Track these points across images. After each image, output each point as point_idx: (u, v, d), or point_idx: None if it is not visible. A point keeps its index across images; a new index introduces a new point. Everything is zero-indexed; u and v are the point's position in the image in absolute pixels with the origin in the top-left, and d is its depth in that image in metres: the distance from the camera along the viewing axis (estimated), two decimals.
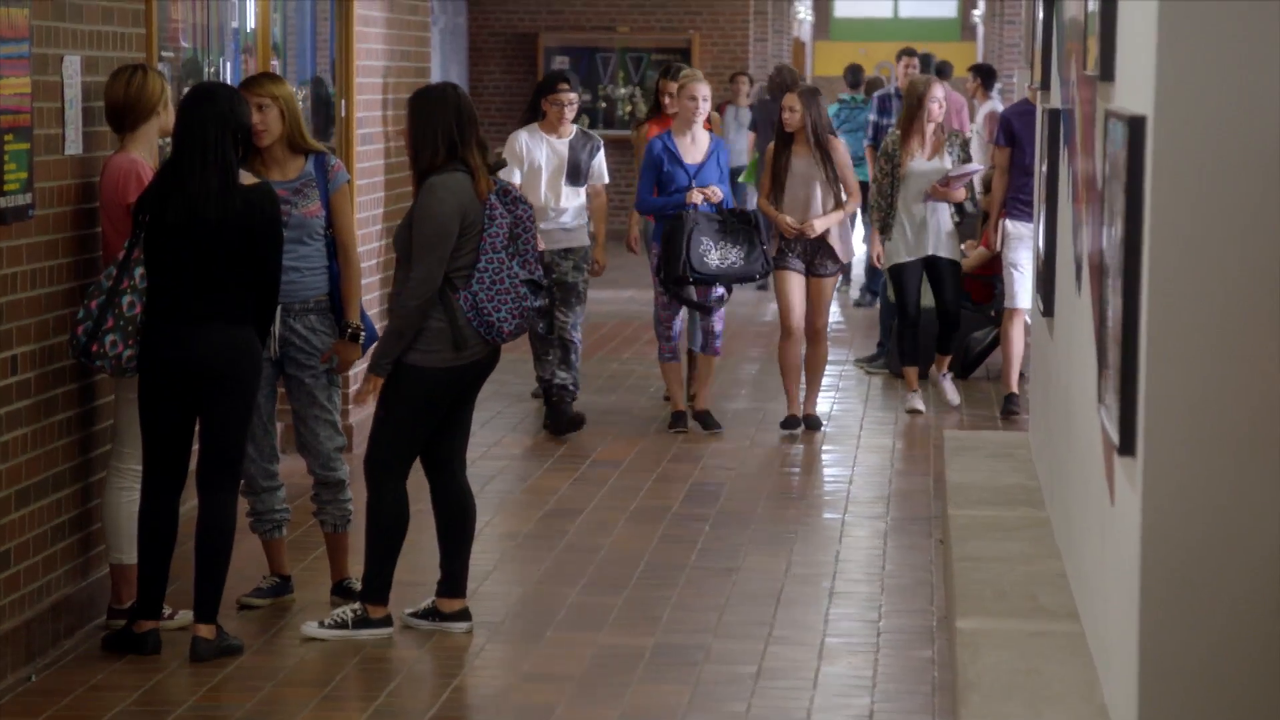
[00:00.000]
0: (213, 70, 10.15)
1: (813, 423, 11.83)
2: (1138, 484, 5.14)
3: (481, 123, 10.12)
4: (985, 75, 20.12)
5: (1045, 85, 9.13)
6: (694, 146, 11.64)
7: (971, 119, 20.67)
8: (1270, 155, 4.92)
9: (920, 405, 12.42)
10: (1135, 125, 5.13)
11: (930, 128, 12.38)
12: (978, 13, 34.75)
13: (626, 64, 23.15)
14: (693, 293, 11.68)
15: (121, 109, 7.55)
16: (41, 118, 7.26)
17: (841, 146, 11.72)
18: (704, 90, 11.67)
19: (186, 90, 7.41)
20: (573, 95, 11.74)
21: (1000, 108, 19.89)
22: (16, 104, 7.01)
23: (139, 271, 7.20)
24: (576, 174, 11.61)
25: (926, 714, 6.73)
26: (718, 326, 11.71)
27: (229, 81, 10.07)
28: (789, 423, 11.78)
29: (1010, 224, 12.39)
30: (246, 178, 7.30)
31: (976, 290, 14.16)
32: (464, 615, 7.67)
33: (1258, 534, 4.99)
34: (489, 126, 21.77)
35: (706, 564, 8.72)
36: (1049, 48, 8.98)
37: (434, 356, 7.40)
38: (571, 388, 11.68)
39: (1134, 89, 5.45)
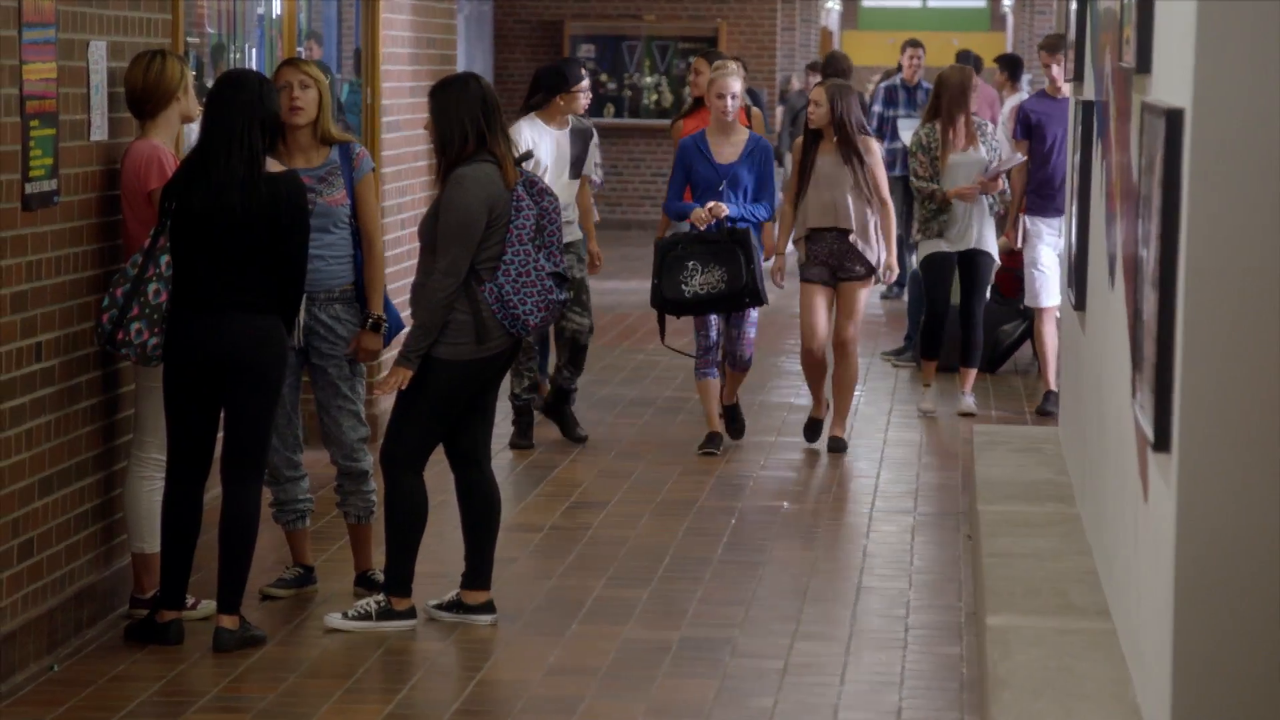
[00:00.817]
0: (238, 56, 10.16)
1: (836, 445, 11.00)
2: (1172, 481, 5.13)
3: (506, 111, 10.16)
4: (1011, 66, 20.03)
5: (1079, 77, 9.11)
6: (728, 144, 10.90)
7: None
8: None
9: (932, 405, 12.22)
10: (1173, 118, 5.11)
11: (963, 118, 12.13)
12: (1008, 2, 34.69)
13: (653, 52, 23.14)
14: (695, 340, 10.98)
15: (141, 95, 7.57)
16: (67, 103, 7.27)
17: (875, 148, 10.98)
18: (734, 86, 10.89)
19: (216, 78, 7.41)
20: (587, 83, 11.08)
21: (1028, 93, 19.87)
22: (43, 89, 7.03)
23: (165, 259, 7.21)
24: (578, 166, 10.93)
25: (955, 711, 6.72)
26: (749, 334, 10.96)
27: (255, 69, 10.09)
28: (811, 429, 11.12)
29: (1029, 220, 12.32)
30: (274, 166, 7.31)
31: (1005, 283, 14.14)
32: (488, 607, 7.67)
33: None
34: (513, 115, 21.80)
35: (732, 558, 8.72)
36: (1082, 38, 8.96)
37: (458, 349, 7.40)
38: (573, 388, 11.18)
39: (1172, 81, 5.43)
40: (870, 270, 10.92)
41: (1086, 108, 8.36)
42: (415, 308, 7.49)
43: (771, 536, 9.15)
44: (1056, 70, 12.52)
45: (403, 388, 7.45)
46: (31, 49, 6.93)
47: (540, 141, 10.64)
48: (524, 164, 7.61)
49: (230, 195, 7.16)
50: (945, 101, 12.15)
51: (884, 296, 18.11)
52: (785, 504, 9.76)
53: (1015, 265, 14.12)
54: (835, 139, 10.85)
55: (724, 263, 10.55)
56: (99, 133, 7.55)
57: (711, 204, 10.67)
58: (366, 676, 7.03)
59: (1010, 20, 34.53)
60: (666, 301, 10.59)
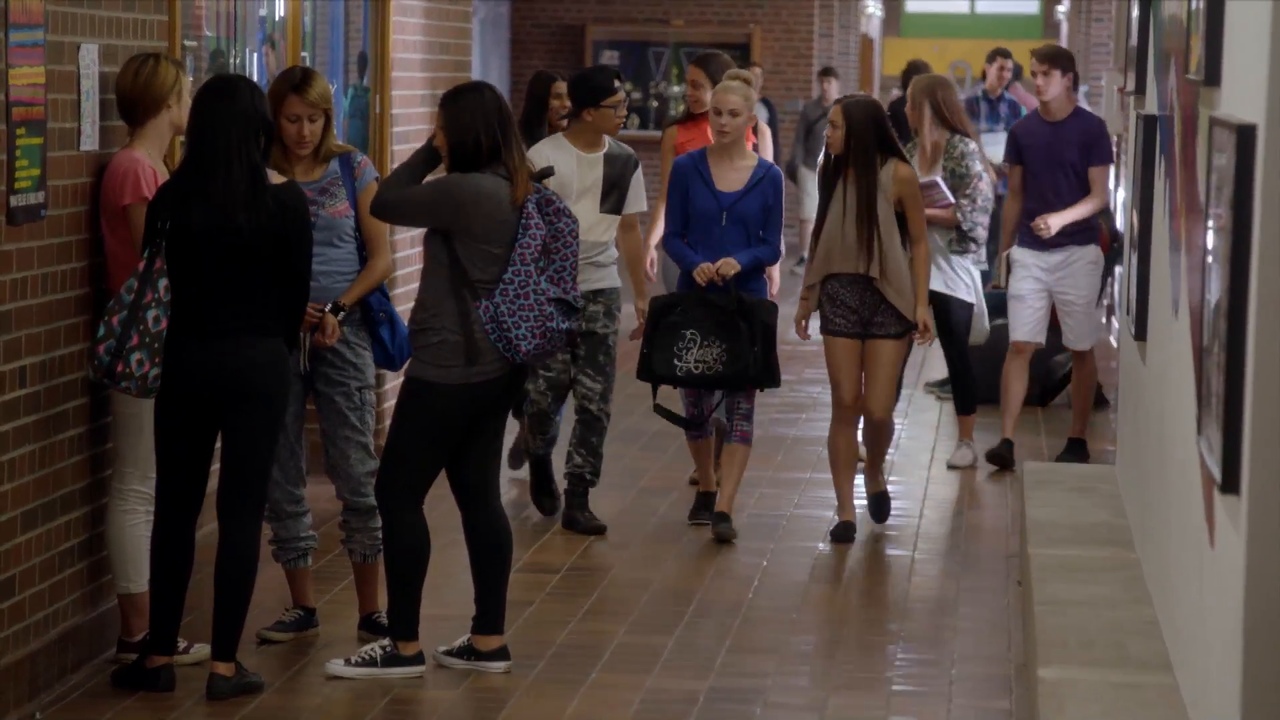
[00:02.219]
0: (239, 61, 10.18)
1: (880, 503, 10.09)
2: (1241, 524, 5.11)
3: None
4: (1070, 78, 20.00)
5: (1140, 90, 9.10)
6: (732, 169, 9.80)
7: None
8: None
9: (965, 460, 11.74)
10: (1244, 134, 5.10)
11: (930, 137, 11.40)
12: (1062, 9, 34.71)
13: (681, 60, 23.16)
14: (682, 401, 10.08)
15: (130, 101, 7.57)
16: (56, 110, 7.28)
17: (913, 176, 9.80)
18: (734, 102, 9.76)
19: (202, 84, 7.42)
20: (623, 95, 9.93)
21: (1087, 108, 19.83)
22: (30, 95, 7.04)
23: (163, 284, 7.18)
24: (614, 197, 9.81)
25: None
26: (745, 404, 9.78)
27: (254, 75, 10.12)
28: (841, 533, 9.80)
29: (1018, 251, 11.79)
30: (274, 176, 7.31)
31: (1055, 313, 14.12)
32: (502, 654, 7.67)
33: None
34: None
35: (764, 603, 8.70)
36: (1144, 48, 8.95)
37: (448, 372, 7.40)
38: (589, 476, 9.92)
39: (1243, 94, 5.42)
40: (906, 328, 9.76)
41: (1149, 123, 8.35)
42: (419, 331, 7.49)
43: (806, 580, 9.13)
44: (1043, 83, 11.75)
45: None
46: (18, 52, 6.95)
47: (563, 166, 9.62)
48: (543, 181, 7.60)
49: (233, 212, 7.15)
50: (909, 119, 11.66)
51: None
52: (821, 545, 9.75)
53: None
54: (851, 165, 9.68)
55: (726, 337, 9.56)
56: (89, 142, 7.56)
57: (721, 263, 9.60)
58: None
59: (1065, 27, 34.55)
60: (656, 378, 9.72)
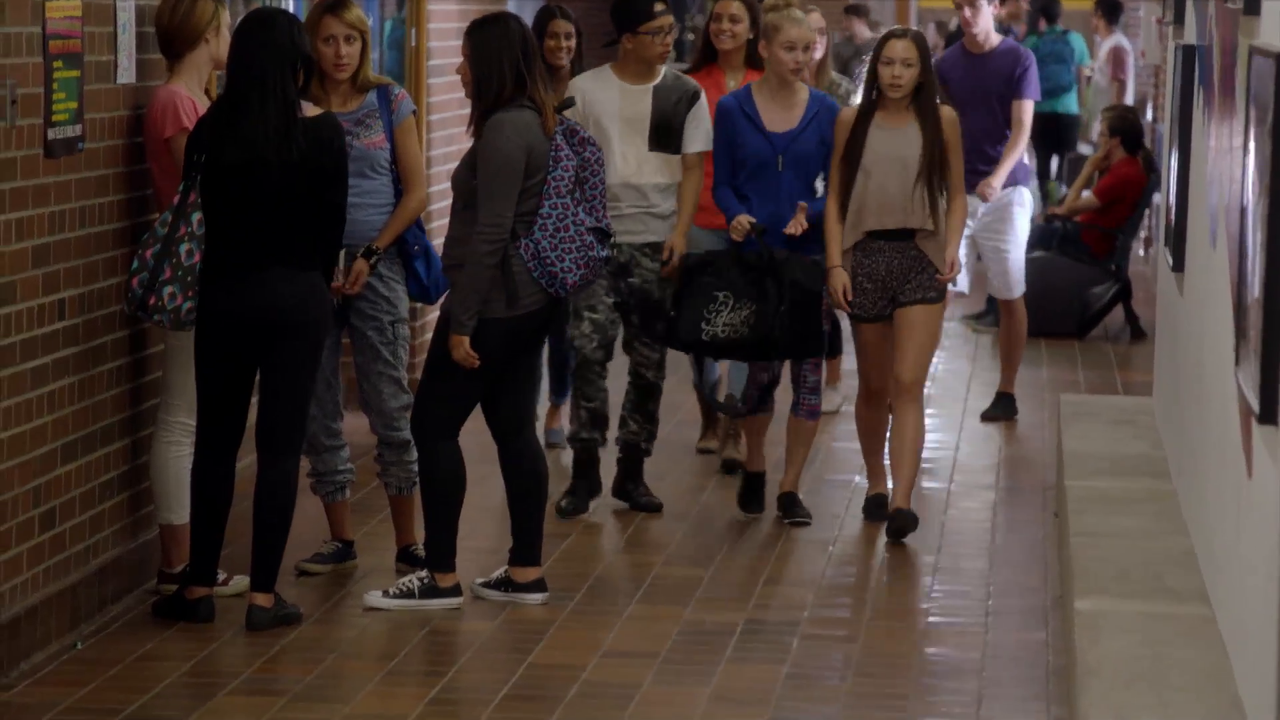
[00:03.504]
0: None
1: (903, 521, 8.54)
2: (1279, 455, 5.11)
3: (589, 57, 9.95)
4: (1109, 10, 20.05)
5: (1179, 20, 9.07)
6: (783, 108, 8.68)
7: (1093, 55, 20.57)
8: None
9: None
10: None
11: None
12: None
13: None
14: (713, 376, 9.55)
15: (167, 35, 7.58)
16: (93, 43, 7.29)
17: (953, 116, 8.69)
18: (810, 36, 8.70)
19: (241, 17, 7.42)
20: (672, 20, 8.80)
21: (1125, 43, 19.85)
22: (66, 28, 7.04)
23: (196, 217, 7.20)
24: (667, 134, 8.74)
25: (1040, 701, 6.72)
26: (813, 376, 8.81)
27: (291, 7, 10.10)
28: (873, 506, 8.92)
29: None
30: (309, 109, 7.30)
31: (1096, 243, 14.12)
32: (539, 586, 7.69)
33: None
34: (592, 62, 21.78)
35: (800, 535, 8.71)
36: None
37: (489, 307, 7.39)
38: (644, 445, 9.01)
39: None
40: (941, 292, 8.68)
41: (1188, 53, 8.32)
42: (452, 267, 7.47)
43: (841, 513, 9.14)
44: (971, 15, 10.89)
45: (469, 358, 7.38)
46: None
47: (603, 100, 8.75)
48: (564, 112, 7.59)
49: (265, 146, 7.15)
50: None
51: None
52: (857, 478, 9.75)
53: (1106, 224, 14.09)
54: (914, 106, 8.56)
55: (757, 298, 8.53)
56: (126, 75, 7.57)
57: (795, 221, 8.54)
58: (408, 658, 7.06)
59: None
60: (681, 345, 8.68)
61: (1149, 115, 19.14)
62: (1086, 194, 14.26)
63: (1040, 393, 11.96)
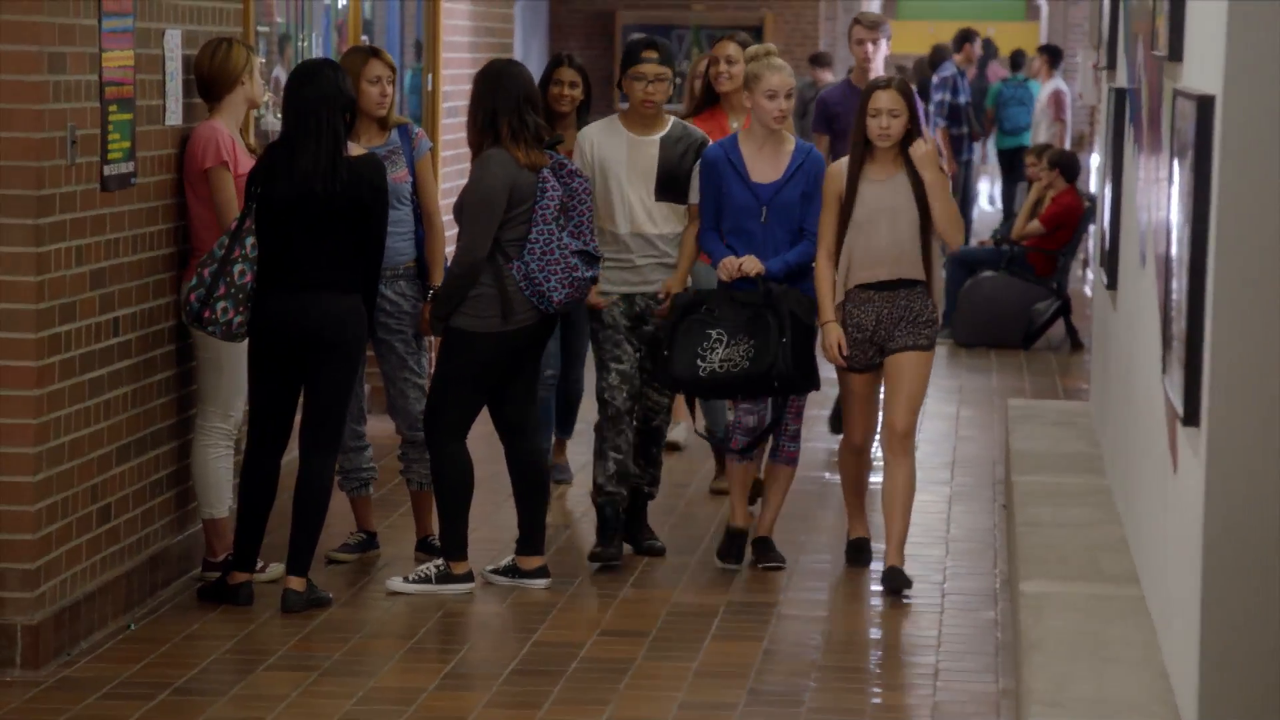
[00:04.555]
0: (305, 45, 10.18)
1: (897, 582, 7.60)
2: (1201, 453, 5.11)
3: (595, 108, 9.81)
4: (1053, 55, 20.18)
5: (1112, 65, 9.07)
6: (769, 157, 7.85)
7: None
8: None
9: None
10: (1204, 105, 5.09)
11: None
12: None
13: (701, 42, 23.10)
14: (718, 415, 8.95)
15: (207, 79, 7.59)
16: (144, 89, 7.29)
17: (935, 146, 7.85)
18: (790, 82, 7.82)
19: (292, 69, 7.44)
20: (663, 69, 7.96)
21: (1064, 87, 19.88)
22: (120, 76, 7.05)
23: (250, 241, 7.23)
24: (674, 185, 7.94)
25: (990, 673, 6.71)
26: (793, 425, 7.94)
27: (320, 55, 10.11)
28: (855, 550, 8.03)
29: None
30: (354, 149, 7.34)
31: (1040, 264, 14.12)
32: (542, 572, 7.69)
33: None
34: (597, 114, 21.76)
35: (777, 527, 8.70)
36: (1115, 28, 8.92)
37: (484, 322, 7.43)
38: (648, 489, 8.18)
39: (1203, 68, 5.40)
40: (932, 341, 7.74)
41: (1120, 95, 8.32)
42: (443, 281, 7.58)
43: (814, 506, 9.13)
44: (872, 50, 9.86)
45: (429, 335, 7.67)
46: (110, 37, 6.96)
47: (611, 149, 7.96)
48: (554, 147, 7.61)
49: (314, 182, 7.19)
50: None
51: None
52: (826, 475, 9.75)
53: (1049, 246, 14.10)
54: (903, 156, 7.68)
55: (754, 333, 7.70)
56: (174, 117, 7.57)
57: (745, 259, 7.75)
58: (426, 637, 7.05)
59: (1045, 9, 34.38)
60: (675, 380, 7.82)
61: (1091, 151, 19.18)
62: (1034, 222, 14.28)
63: (990, 398, 11.96)
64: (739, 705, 6.34)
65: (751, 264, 7.71)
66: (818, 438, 10.64)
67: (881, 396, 7.85)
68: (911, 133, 7.63)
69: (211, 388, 7.60)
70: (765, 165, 7.82)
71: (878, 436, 8.14)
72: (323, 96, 7.22)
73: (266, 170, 7.24)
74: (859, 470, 8.01)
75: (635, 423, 8.00)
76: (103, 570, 7.04)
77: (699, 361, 7.69)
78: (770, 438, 7.89)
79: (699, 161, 7.89)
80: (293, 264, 7.23)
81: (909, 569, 7.70)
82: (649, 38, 8.10)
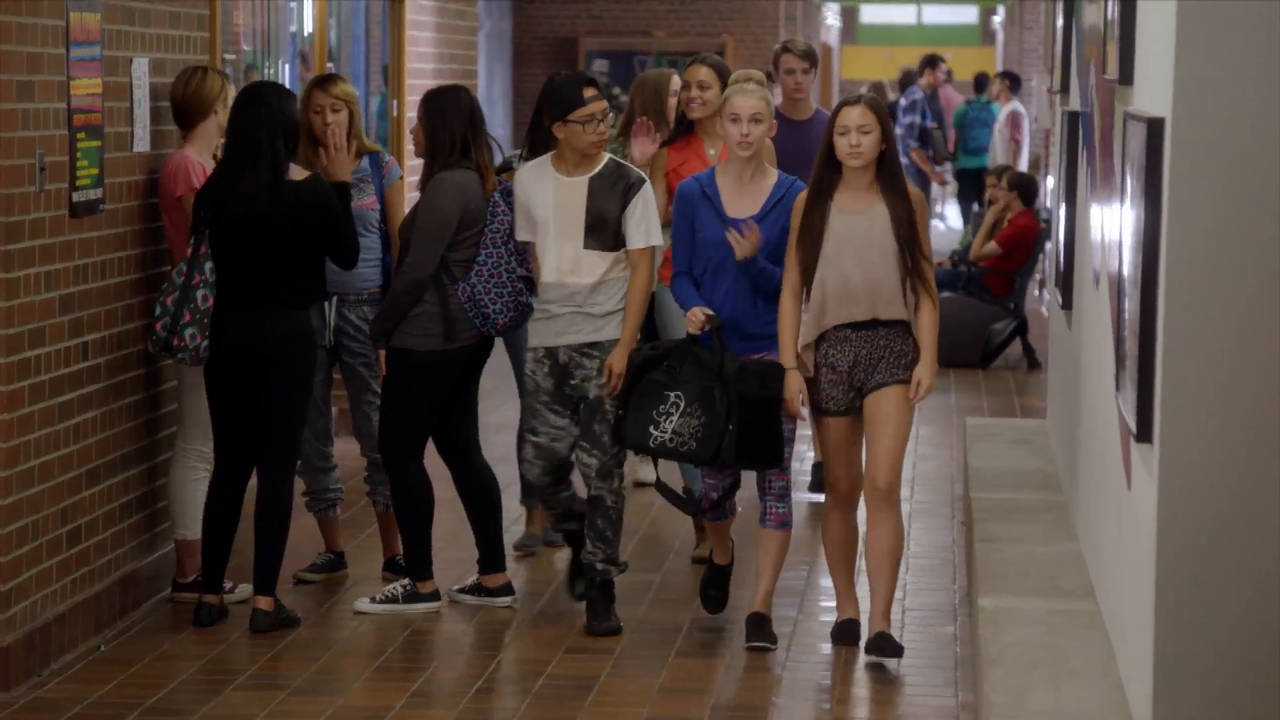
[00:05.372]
0: (272, 72, 10.18)
1: (884, 647, 6.90)
2: (1154, 470, 5.14)
3: (525, 124, 9.83)
4: (1013, 79, 20.50)
5: (1065, 89, 9.12)
6: (747, 190, 7.07)
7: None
8: None
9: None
10: (1154, 127, 5.13)
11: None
12: (998, 19, 34.69)
13: (662, 66, 23.16)
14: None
15: (181, 106, 7.60)
16: (112, 116, 7.29)
17: (920, 196, 6.94)
18: (757, 106, 6.96)
19: (241, 91, 7.44)
20: (603, 105, 7.19)
21: (1022, 109, 20.05)
22: (89, 103, 7.05)
23: (208, 266, 7.24)
24: (603, 230, 7.15)
25: (950, 687, 6.73)
26: (778, 481, 7.10)
27: (285, 81, 10.12)
28: (844, 631, 7.12)
29: None
30: (298, 172, 7.33)
31: (997, 284, 14.18)
32: (507, 589, 7.68)
33: (1270, 518, 4.99)
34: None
35: (740, 546, 8.71)
36: (1068, 53, 8.97)
37: (426, 340, 7.42)
38: (600, 566, 7.26)
39: (1152, 92, 5.44)
40: (907, 376, 6.88)
41: (1073, 118, 8.37)
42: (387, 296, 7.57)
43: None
44: (804, 80, 9.05)
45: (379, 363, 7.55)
46: (78, 65, 6.95)
47: (535, 191, 7.22)
48: (504, 173, 7.62)
49: (258, 204, 7.19)
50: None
51: None
52: (802, 468, 9.74)
53: (1006, 267, 14.16)
54: (879, 183, 6.84)
55: (705, 410, 6.93)
56: (141, 144, 7.57)
57: (706, 314, 6.94)
58: (394, 656, 7.04)
59: (1000, 36, 34.54)
60: (625, 444, 7.14)
61: (1046, 173, 19.32)
62: (991, 244, 14.34)
63: (948, 416, 11.99)
64: None
65: (697, 318, 6.90)
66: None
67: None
68: (886, 154, 6.79)
69: (193, 410, 7.59)
70: (743, 199, 7.04)
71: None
72: (261, 120, 7.22)
73: (212, 193, 7.24)
74: (846, 537, 7.08)
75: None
76: (73, 592, 7.02)
77: (652, 429, 6.98)
78: (760, 498, 7.11)
79: (631, 204, 7.13)
80: (242, 284, 7.25)
81: None
82: (589, 75, 7.33)
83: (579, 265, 7.17)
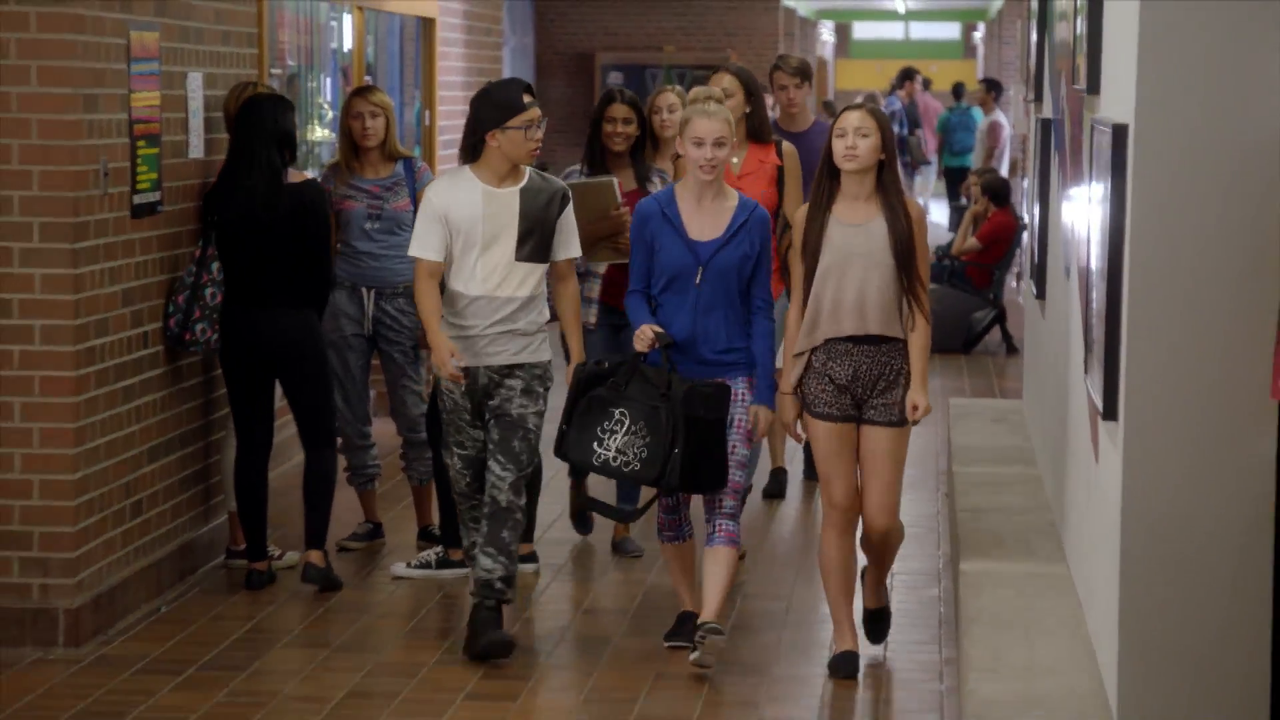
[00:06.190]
0: (314, 85, 10.19)
1: (877, 623, 6.55)
2: (1119, 444, 5.14)
3: (547, 132, 9.75)
4: (993, 86, 20.44)
5: (1038, 98, 9.11)
6: (709, 214, 6.33)
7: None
8: (1237, 158, 4.92)
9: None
10: (1118, 132, 5.13)
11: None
12: (978, 35, 34.63)
13: (672, 79, 23.12)
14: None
15: (233, 119, 7.59)
16: (169, 126, 7.30)
17: (920, 212, 6.24)
18: (720, 129, 6.23)
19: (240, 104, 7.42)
20: (538, 113, 6.45)
21: (1002, 118, 19.99)
22: (148, 114, 7.06)
23: (215, 265, 7.26)
24: (540, 242, 6.41)
25: (934, 644, 6.74)
26: (728, 501, 6.34)
27: (327, 96, 10.13)
28: (842, 663, 6.32)
29: None
30: (296, 175, 7.33)
31: (977, 277, 14.17)
32: (532, 557, 7.69)
33: (1224, 489, 5.00)
34: (552, 135, 21.77)
35: (746, 518, 8.71)
36: (1041, 65, 8.96)
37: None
38: (499, 585, 6.40)
39: (1117, 100, 5.44)
40: (903, 412, 6.20)
41: (1045, 125, 8.36)
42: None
43: (775, 499, 9.13)
44: (796, 95, 8.56)
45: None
46: (139, 80, 6.97)
47: (460, 204, 6.38)
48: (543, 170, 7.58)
49: (254, 207, 7.20)
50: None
51: None
52: (786, 468, 9.76)
53: (986, 260, 14.14)
54: (878, 195, 6.16)
55: (651, 430, 6.21)
56: (195, 151, 7.58)
57: (656, 332, 6.26)
58: (428, 617, 7.06)
59: (980, 50, 34.51)
60: (569, 460, 6.38)
61: (1022, 175, 19.31)
62: (972, 240, 14.33)
63: (934, 397, 11.96)
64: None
65: (664, 336, 6.23)
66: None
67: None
68: (886, 163, 6.11)
69: None
70: (705, 222, 6.31)
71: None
72: (257, 129, 7.22)
73: (216, 197, 7.26)
74: (844, 562, 6.28)
75: (485, 503, 6.46)
76: (136, 559, 7.04)
77: (596, 446, 6.24)
78: (708, 517, 6.35)
79: (563, 215, 6.44)
80: (247, 282, 7.26)
81: None
82: (517, 80, 6.55)
83: (509, 278, 6.37)
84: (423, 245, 6.39)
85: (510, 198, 6.38)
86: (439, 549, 7.60)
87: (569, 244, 6.48)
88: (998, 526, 7.42)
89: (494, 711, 6.01)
